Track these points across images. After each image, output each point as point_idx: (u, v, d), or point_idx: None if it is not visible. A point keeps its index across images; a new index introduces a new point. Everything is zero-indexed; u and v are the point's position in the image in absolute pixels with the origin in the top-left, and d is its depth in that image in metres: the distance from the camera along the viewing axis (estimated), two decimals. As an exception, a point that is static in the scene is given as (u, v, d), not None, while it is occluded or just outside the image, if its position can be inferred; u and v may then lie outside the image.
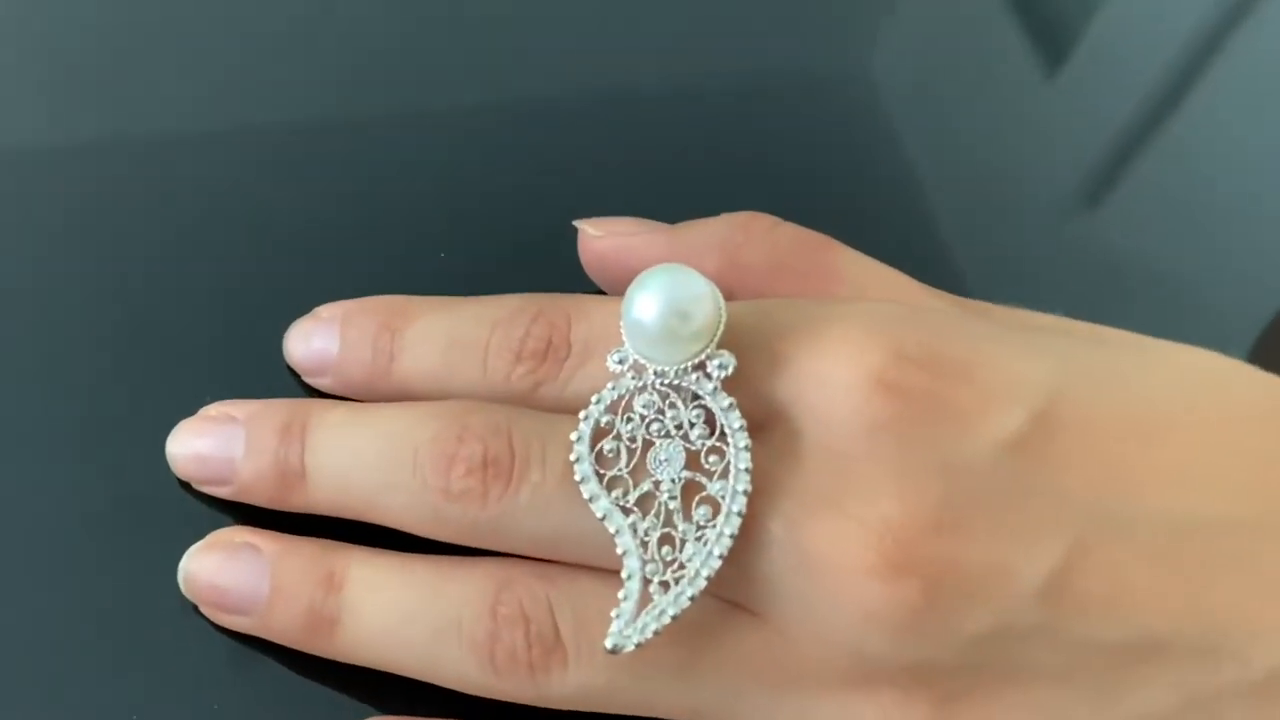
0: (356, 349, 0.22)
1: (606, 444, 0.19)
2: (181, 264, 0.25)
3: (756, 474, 0.18)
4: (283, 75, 0.29)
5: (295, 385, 0.24)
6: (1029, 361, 0.19)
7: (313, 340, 0.23)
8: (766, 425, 0.19)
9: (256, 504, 0.22)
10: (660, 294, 0.19)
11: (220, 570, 0.21)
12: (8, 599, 0.22)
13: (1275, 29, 0.32)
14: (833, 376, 0.19)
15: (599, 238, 0.24)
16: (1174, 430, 0.20)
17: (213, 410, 0.23)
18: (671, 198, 0.27)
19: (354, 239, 0.26)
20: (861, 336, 0.19)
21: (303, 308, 0.24)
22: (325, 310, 0.23)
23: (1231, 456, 0.20)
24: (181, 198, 0.26)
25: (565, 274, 0.25)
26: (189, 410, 0.23)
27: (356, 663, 0.21)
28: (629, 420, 0.19)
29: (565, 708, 0.20)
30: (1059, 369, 0.20)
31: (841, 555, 0.18)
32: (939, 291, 0.23)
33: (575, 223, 0.24)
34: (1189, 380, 0.21)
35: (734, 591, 0.19)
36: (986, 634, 0.18)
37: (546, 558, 0.20)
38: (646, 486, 0.19)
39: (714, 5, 0.31)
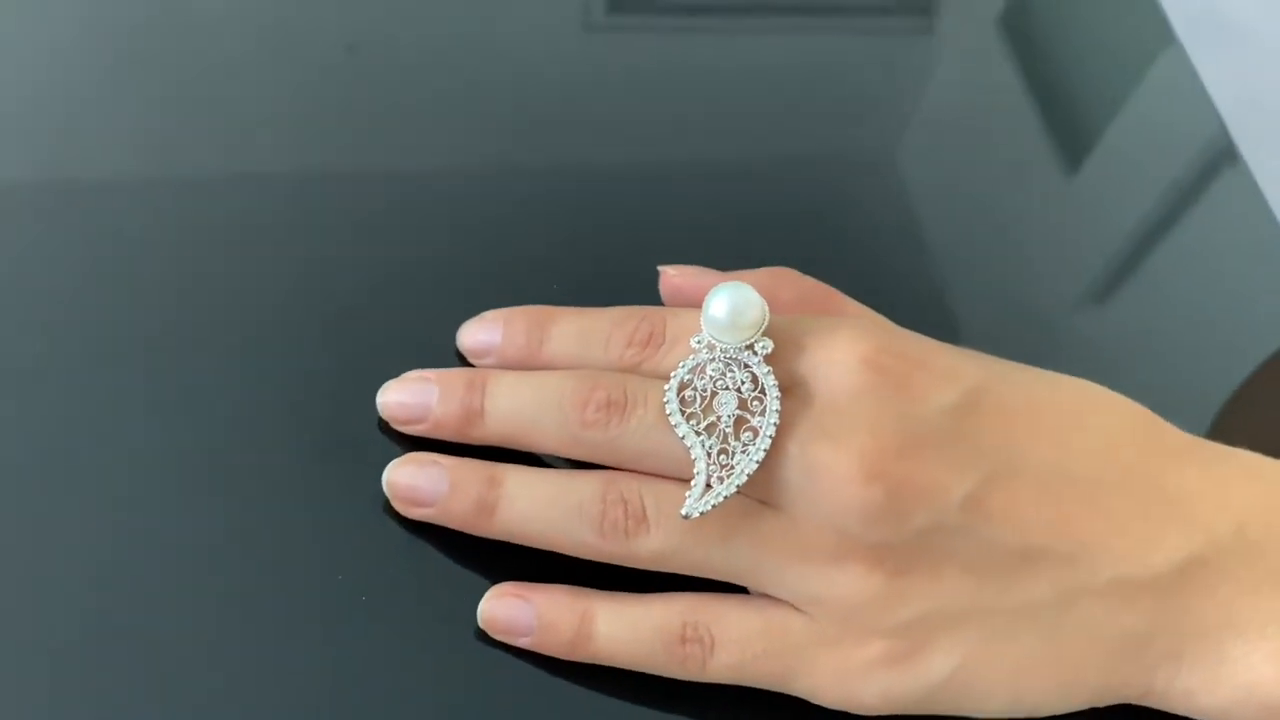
0: (515, 339, 0.32)
1: (687, 393, 0.29)
2: (380, 288, 0.36)
3: (783, 415, 0.28)
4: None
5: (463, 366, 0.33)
6: (965, 363, 0.29)
7: (479, 334, 0.32)
8: (792, 388, 0.29)
9: (443, 438, 0.31)
10: (728, 298, 0.29)
11: (414, 476, 0.30)
12: (259, 504, 0.31)
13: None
14: (838, 358, 0.28)
15: (676, 276, 0.33)
16: (1057, 416, 0.29)
17: (412, 374, 0.32)
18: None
19: (499, 275, 0.36)
20: (857, 335, 0.29)
21: (470, 312, 0.33)
22: (489, 314, 0.33)
23: (1092, 435, 0.29)
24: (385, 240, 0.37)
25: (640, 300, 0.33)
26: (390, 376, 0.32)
27: (505, 538, 0.30)
28: (702, 378, 0.29)
29: (647, 567, 0.29)
30: (985, 370, 0.29)
31: (834, 466, 0.26)
32: None
33: (660, 267, 0.33)
34: (1071, 391, 0.30)
35: (763, 491, 0.28)
36: (926, 527, 0.26)
37: (644, 470, 0.29)
38: (711, 419, 0.28)
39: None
